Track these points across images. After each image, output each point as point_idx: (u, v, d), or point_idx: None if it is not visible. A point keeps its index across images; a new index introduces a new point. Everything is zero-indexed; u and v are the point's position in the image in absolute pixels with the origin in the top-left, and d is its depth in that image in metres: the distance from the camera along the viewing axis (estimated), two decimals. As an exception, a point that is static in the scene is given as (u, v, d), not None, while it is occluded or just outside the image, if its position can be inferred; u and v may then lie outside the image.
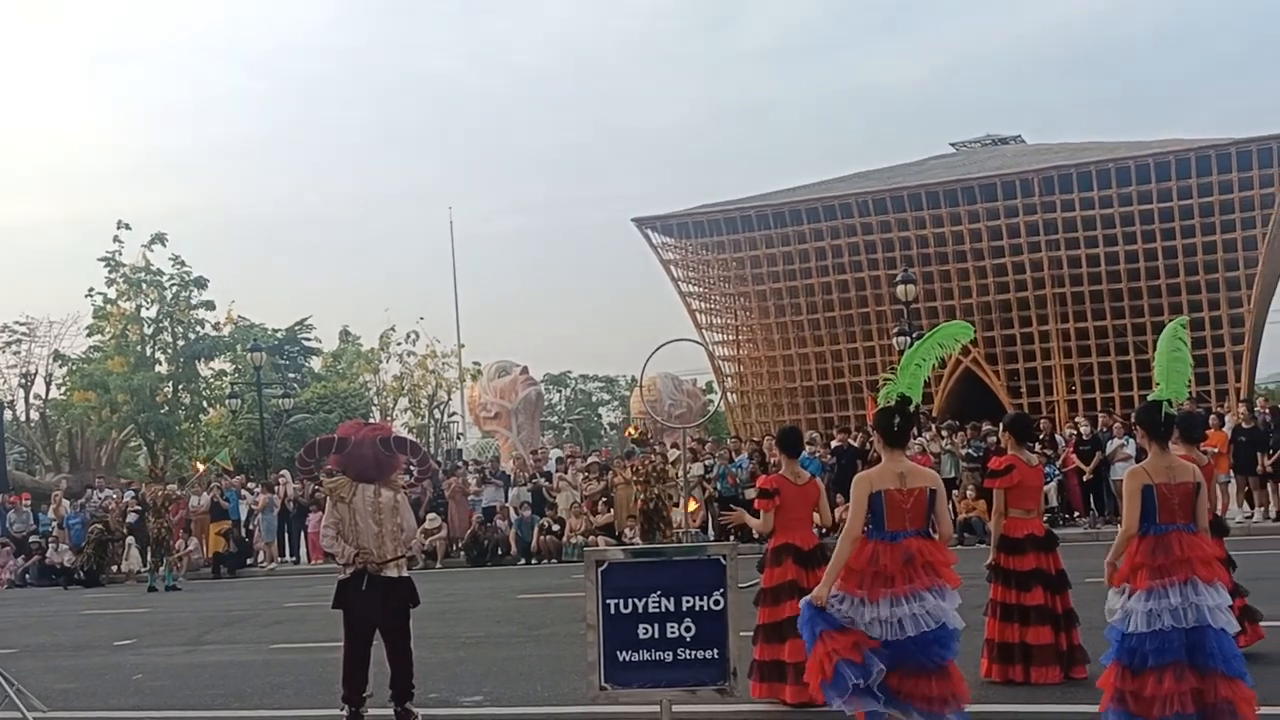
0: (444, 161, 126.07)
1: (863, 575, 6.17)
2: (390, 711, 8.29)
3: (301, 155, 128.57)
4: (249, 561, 25.98)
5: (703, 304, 48.80)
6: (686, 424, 29.08)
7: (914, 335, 21.98)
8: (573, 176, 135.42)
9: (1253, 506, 20.17)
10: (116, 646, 14.21)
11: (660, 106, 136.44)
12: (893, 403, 6.53)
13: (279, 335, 59.19)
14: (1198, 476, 6.43)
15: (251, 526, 26.46)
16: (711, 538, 21.34)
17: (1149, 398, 6.65)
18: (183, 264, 48.04)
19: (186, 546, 24.94)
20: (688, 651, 6.68)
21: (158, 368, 48.71)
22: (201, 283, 48.38)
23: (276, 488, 26.85)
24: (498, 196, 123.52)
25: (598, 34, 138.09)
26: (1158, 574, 6.14)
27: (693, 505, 19.35)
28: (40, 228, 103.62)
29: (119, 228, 47.10)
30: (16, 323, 50.57)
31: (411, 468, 8.65)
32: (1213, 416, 21.64)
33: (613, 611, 6.70)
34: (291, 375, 59.00)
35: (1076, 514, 21.21)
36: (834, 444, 23.03)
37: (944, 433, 23.01)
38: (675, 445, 22.99)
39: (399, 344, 60.59)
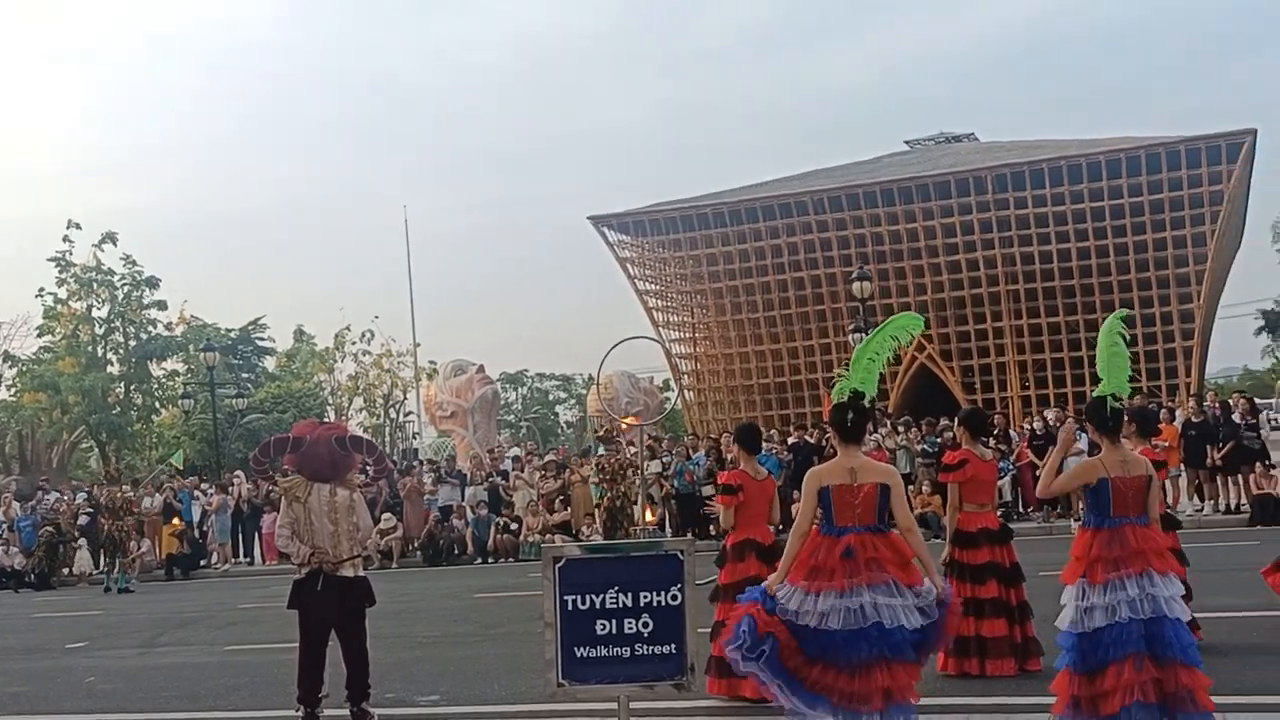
0: (399, 160, 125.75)
1: (806, 568, 6.20)
2: (346, 712, 8.25)
3: (255, 155, 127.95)
4: (202, 563, 25.74)
5: (659, 302, 48.87)
6: (643, 422, 29.04)
7: (869, 332, 22.15)
8: (528, 175, 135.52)
9: (1202, 500, 20.40)
10: (68, 649, 14.05)
11: (615, 105, 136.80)
12: (846, 398, 6.55)
13: (232, 335, 58.79)
14: (1150, 470, 6.51)
15: (205, 527, 26.23)
16: (669, 534, 21.38)
17: (1094, 394, 6.71)
18: (134, 264, 47.69)
19: (139, 548, 24.68)
20: (645, 647, 6.66)
21: (109, 368, 48.26)
22: (153, 282, 48.00)
23: (230, 488, 26.62)
24: (453, 195, 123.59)
25: (553, 34, 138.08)
26: (1113, 566, 6.21)
27: (650, 516, 19.33)
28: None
29: (69, 227, 46.82)
30: (-34, 324, 49.94)
31: (367, 467, 8.63)
32: (1163, 411, 21.86)
33: (570, 608, 6.67)
34: (245, 375, 58.57)
35: (1030, 508, 21.39)
36: (791, 441, 23.11)
37: (899, 428, 23.19)
38: (632, 443, 22.99)
39: (354, 343, 60.46)
